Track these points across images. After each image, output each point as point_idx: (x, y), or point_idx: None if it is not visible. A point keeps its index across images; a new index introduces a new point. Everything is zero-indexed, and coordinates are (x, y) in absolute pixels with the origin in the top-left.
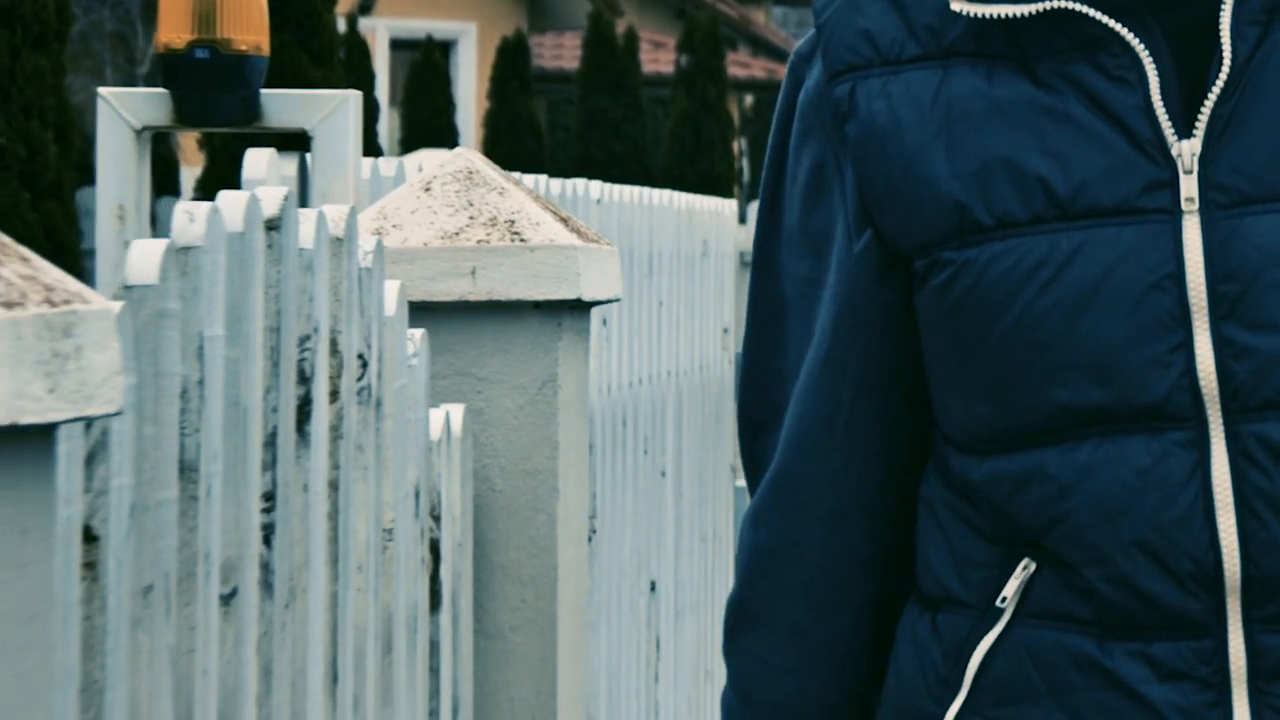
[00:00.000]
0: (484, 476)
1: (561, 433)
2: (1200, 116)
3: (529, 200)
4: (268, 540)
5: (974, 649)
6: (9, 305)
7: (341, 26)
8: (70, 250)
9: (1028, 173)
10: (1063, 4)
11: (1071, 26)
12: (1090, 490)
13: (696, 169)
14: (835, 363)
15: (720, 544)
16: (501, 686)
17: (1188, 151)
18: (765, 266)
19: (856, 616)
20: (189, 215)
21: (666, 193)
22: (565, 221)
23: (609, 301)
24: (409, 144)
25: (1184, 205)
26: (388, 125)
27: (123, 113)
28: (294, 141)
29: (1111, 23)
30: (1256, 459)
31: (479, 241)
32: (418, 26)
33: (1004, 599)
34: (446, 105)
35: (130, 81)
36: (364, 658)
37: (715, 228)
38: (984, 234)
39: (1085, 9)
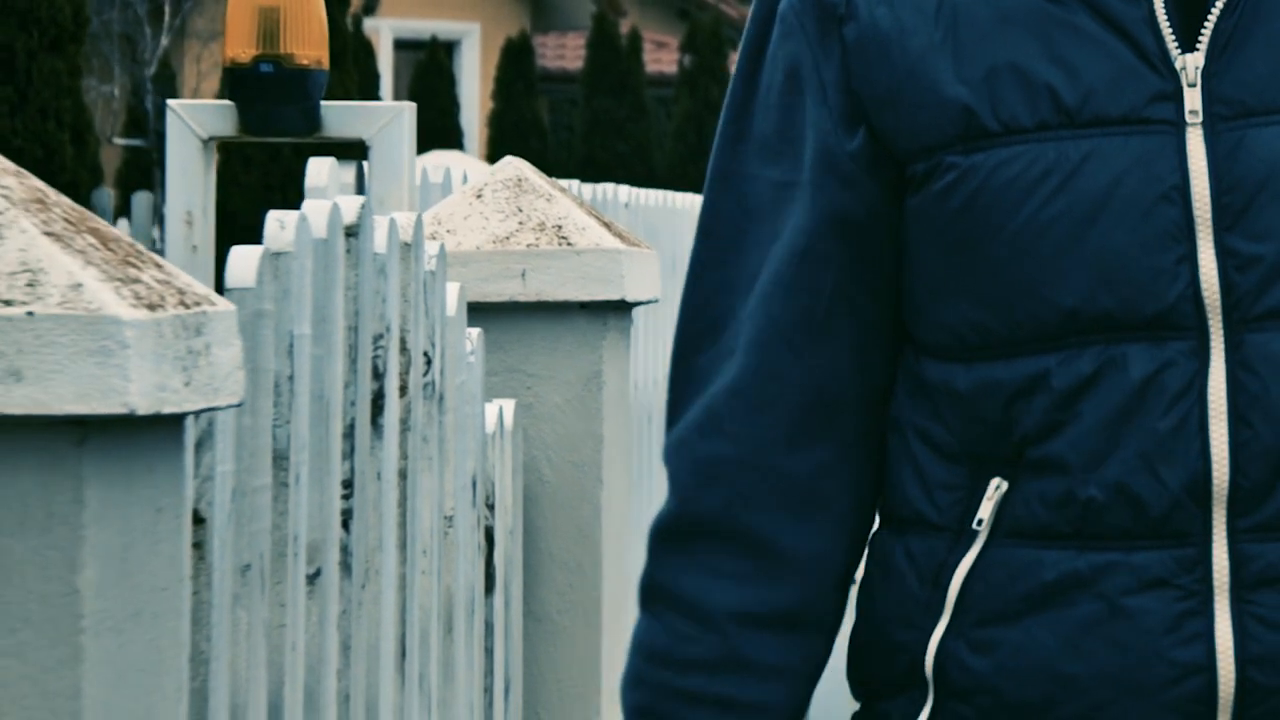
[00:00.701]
0: (533, 468)
1: (606, 426)
2: (1203, 31)
3: (574, 206)
4: (346, 525)
5: (953, 572)
6: (151, 307)
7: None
8: None
9: (1035, 80)
10: None
11: None
12: (1092, 397)
13: (699, 169)
14: (816, 259)
15: None
16: (549, 667)
17: (1191, 65)
18: (725, 180)
19: (822, 525)
20: (280, 223)
21: (689, 196)
22: (608, 226)
23: (649, 302)
24: (414, 144)
25: (1188, 118)
26: None
27: (190, 123)
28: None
29: None
30: (1255, 368)
31: (528, 245)
32: (422, 27)
33: (979, 521)
34: (451, 106)
35: (139, 83)
36: (428, 636)
37: None
38: (990, 139)
39: None
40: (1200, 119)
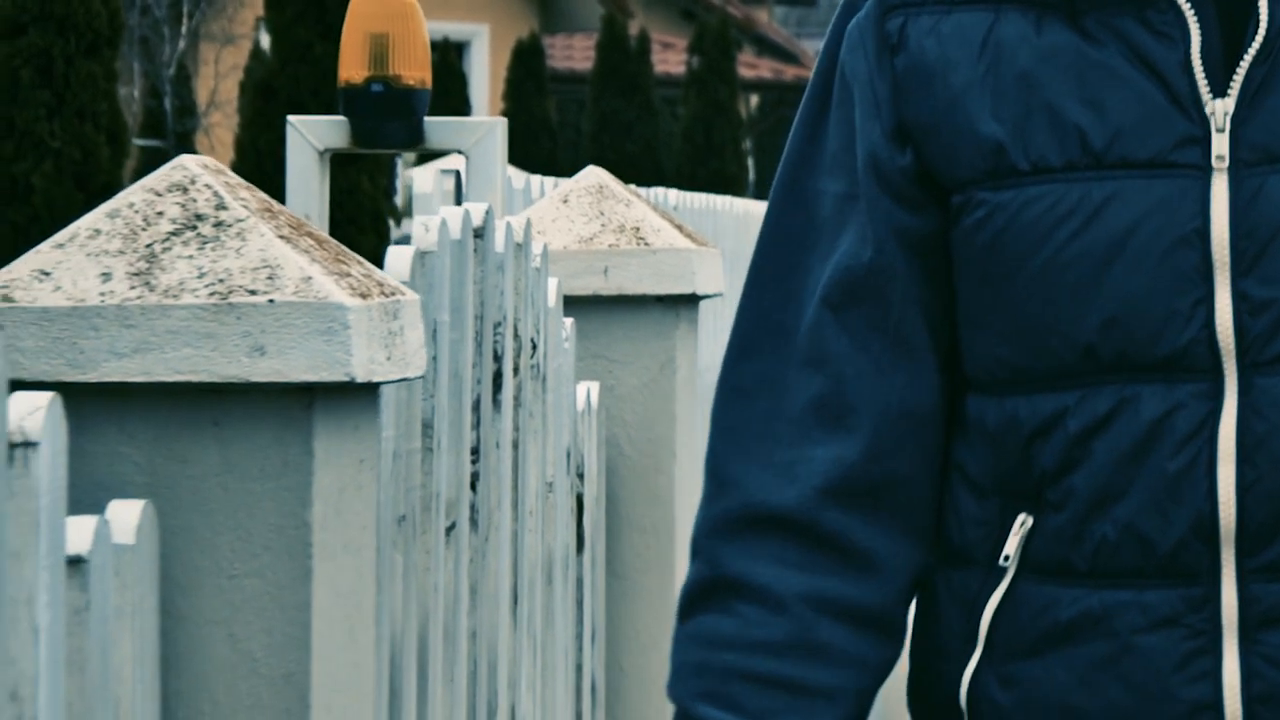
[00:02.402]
0: (614, 442)
1: (678, 406)
2: (1235, 77)
3: (650, 210)
4: (474, 486)
5: (984, 606)
6: (363, 296)
7: None
8: None
9: (1065, 120)
10: None
11: None
12: (1105, 436)
13: (708, 169)
14: (883, 271)
15: None
16: (628, 620)
17: (1221, 110)
18: (794, 192)
19: (902, 532)
20: (425, 226)
21: (727, 198)
22: (679, 228)
23: (714, 295)
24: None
25: (1214, 163)
26: None
27: (308, 137)
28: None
29: None
30: (1263, 412)
31: (610, 245)
32: (432, 28)
33: (1006, 557)
34: (462, 106)
35: (159, 84)
36: (534, 586)
37: None
38: (1019, 178)
39: None
40: (1226, 164)
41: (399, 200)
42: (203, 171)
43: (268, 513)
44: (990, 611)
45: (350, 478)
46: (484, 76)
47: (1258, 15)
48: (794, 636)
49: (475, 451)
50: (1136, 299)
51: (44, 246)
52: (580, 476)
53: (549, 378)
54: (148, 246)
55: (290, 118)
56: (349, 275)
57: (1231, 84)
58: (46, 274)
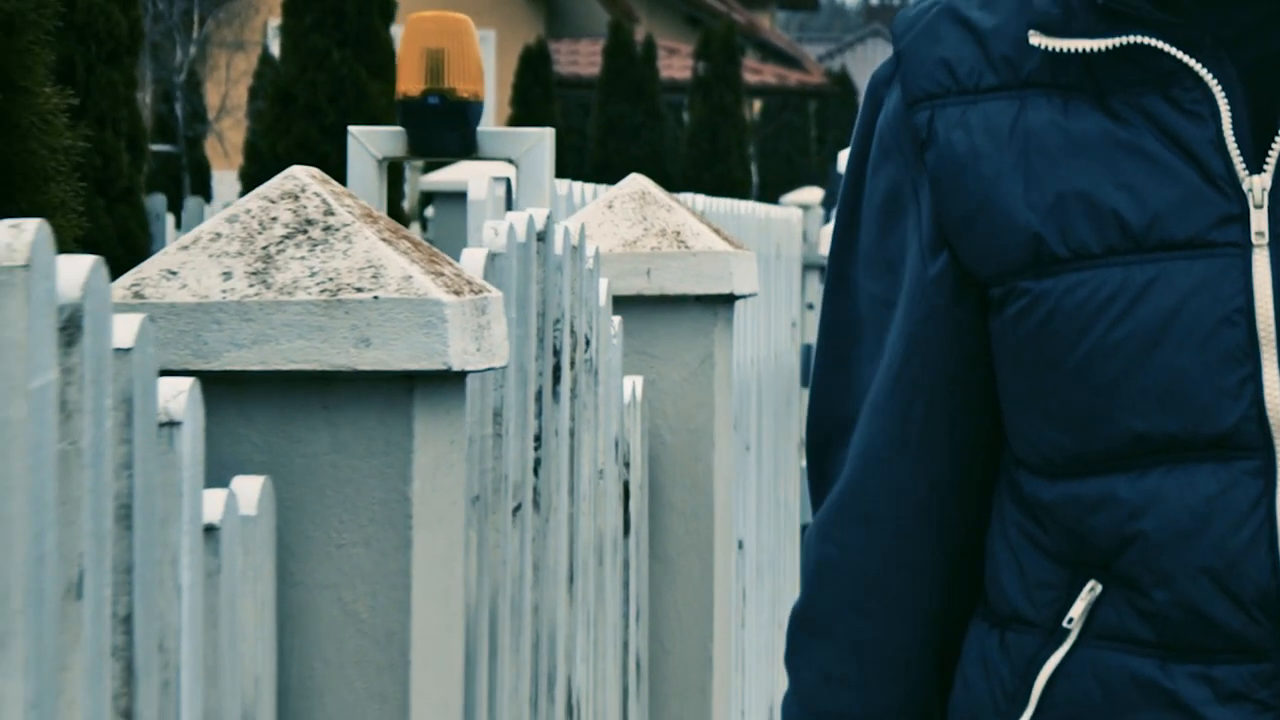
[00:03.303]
0: (656, 433)
1: (716, 399)
2: (1271, 152)
3: (689, 215)
4: (536, 470)
5: (1040, 668)
6: (456, 292)
7: None
8: (141, 252)
9: (1102, 205)
10: (1139, 40)
11: (1146, 60)
12: (1159, 516)
13: (713, 173)
14: (907, 381)
15: (790, 512)
16: (669, 600)
17: (1259, 186)
18: (841, 284)
19: (920, 630)
20: (494, 230)
21: (749, 204)
22: (717, 232)
23: (749, 295)
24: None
25: (1254, 239)
26: None
27: (368, 146)
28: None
29: (1186, 58)
30: None
31: (652, 248)
32: None
33: (1070, 620)
34: None
35: (169, 89)
36: (587, 566)
37: (785, 234)
38: (1059, 265)
39: (1161, 44)
40: (1266, 240)
41: (407, 205)
42: (311, 181)
43: (372, 488)
44: (1047, 673)
45: (443, 457)
46: (491, 82)
47: None
48: None
49: (538, 439)
50: (1184, 379)
51: (171, 248)
52: (626, 465)
53: (600, 371)
54: (264, 248)
55: (351, 129)
56: (443, 274)
57: (1267, 159)
58: (173, 273)
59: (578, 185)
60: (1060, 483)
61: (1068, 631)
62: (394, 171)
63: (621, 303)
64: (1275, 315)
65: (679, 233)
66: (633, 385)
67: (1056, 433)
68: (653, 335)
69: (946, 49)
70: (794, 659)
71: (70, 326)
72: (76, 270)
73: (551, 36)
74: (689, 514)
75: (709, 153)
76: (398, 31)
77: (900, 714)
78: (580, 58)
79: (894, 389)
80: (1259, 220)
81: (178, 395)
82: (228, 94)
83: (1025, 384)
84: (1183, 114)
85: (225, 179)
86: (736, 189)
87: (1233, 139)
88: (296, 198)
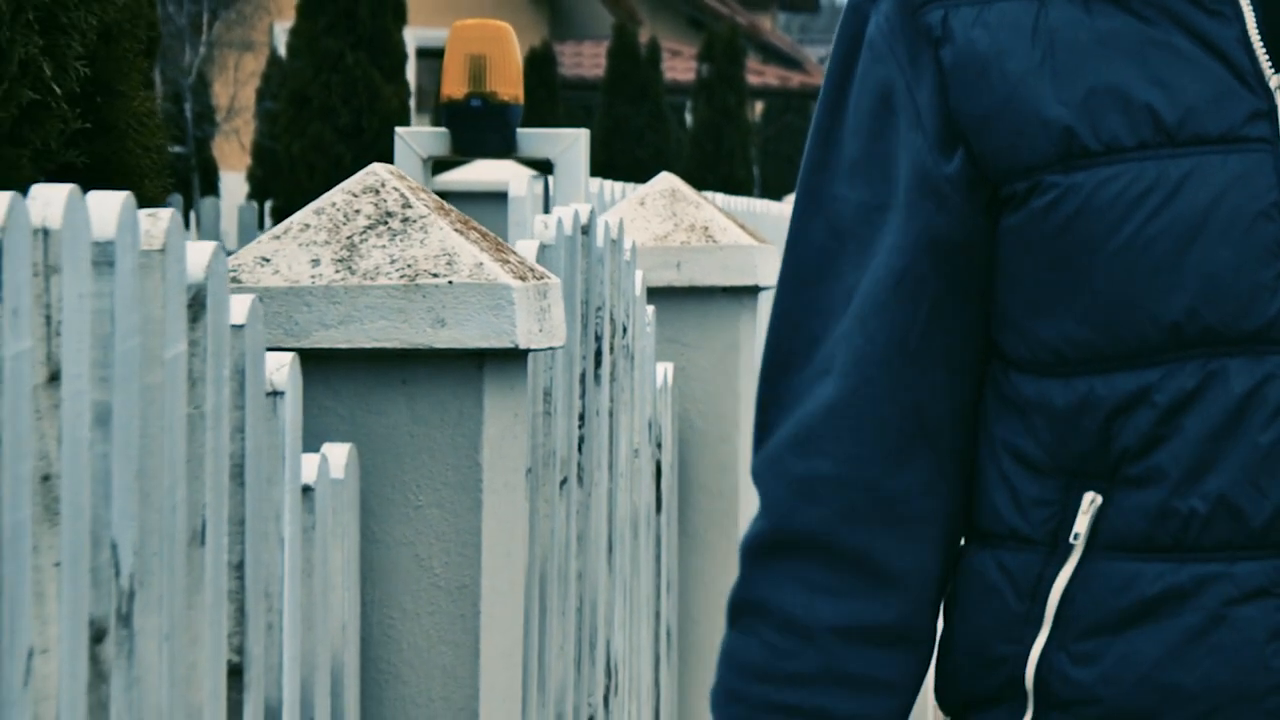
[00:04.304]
0: (685, 416)
1: (742, 384)
2: None
3: (716, 212)
4: (580, 447)
5: (1051, 585)
6: (521, 278)
7: None
8: None
9: (1135, 100)
10: None
11: None
12: (1195, 411)
13: (717, 174)
14: (913, 280)
15: None
16: (697, 574)
17: None
18: (813, 199)
19: (922, 542)
20: (544, 223)
21: (763, 201)
22: (743, 227)
23: (774, 287)
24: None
25: None
26: None
27: (413, 145)
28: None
29: None
30: None
31: (682, 243)
32: (444, 36)
33: (1076, 535)
34: None
35: (179, 91)
36: (624, 538)
37: None
38: (1091, 159)
39: None
40: None
41: None
42: (390, 177)
43: (446, 455)
44: (1059, 589)
45: (508, 427)
46: None
47: None
48: (823, 668)
49: (581, 418)
50: (1222, 274)
51: (264, 238)
52: (659, 445)
53: (635, 357)
54: (348, 238)
55: (398, 130)
56: (509, 261)
57: None
58: (267, 260)
59: (609, 183)
60: (1078, 380)
61: (1072, 547)
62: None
63: (654, 293)
64: None
65: (707, 228)
66: (665, 371)
67: (1083, 328)
68: (683, 324)
69: None
70: (759, 587)
71: (195, 304)
72: (200, 254)
73: (556, 39)
74: (716, 492)
75: (713, 154)
76: (410, 34)
77: (899, 626)
78: (584, 60)
79: (897, 287)
80: None
81: (280, 368)
82: (236, 94)
83: (1047, 281)
84: (1207, 13)
85: (230, 181)
86: (740, 189)
87: (1258, 37)
88: (377, 192)
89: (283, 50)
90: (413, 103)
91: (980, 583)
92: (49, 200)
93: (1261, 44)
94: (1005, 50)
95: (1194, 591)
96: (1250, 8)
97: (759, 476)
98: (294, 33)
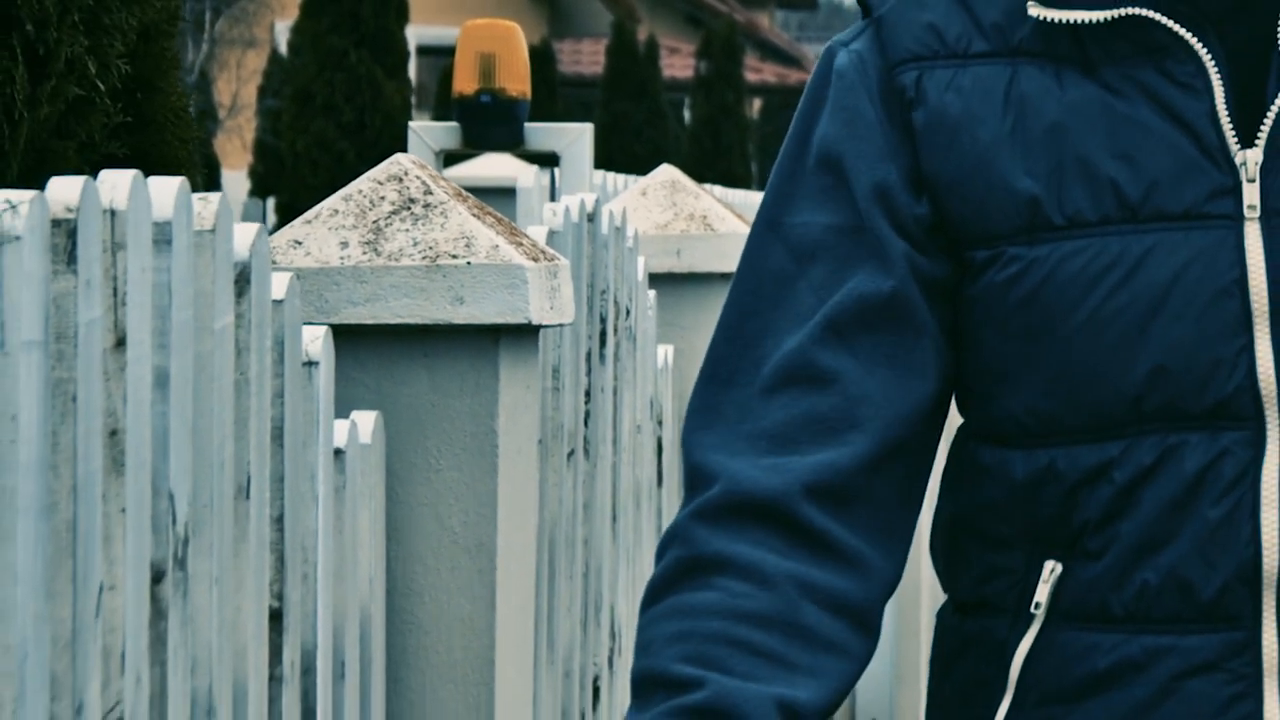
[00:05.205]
0: (684, 395)
1: None
2: (1263, 127)
3: (715, 202)
4: (586, 421)
5: (1014, 652)
6: (534, 259)
7: None
8: None
9: (1099, 174)
10: (1137, 11)
11: (1139, 34)
12: (1152, 485)
13: (715, 170)
14: (903, 302)
15: None
16: None
17: (1251, 160)
18: (773, 226)
19: (880, 542)
20: (552, 211)
21: (760, 194)
22: (740, 217)
23: None
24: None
25: (1246, 212)
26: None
27: (426, 140)
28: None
29: (1181, 31)
30: None
31: (682, 231)
32: (442, 34)
33: (1037, 604)
34: None
35: (183, 89)
36: (627, 509)
37: None
38: (1054, 232)
39: (1158, 17)
40: (1258, 213)
41: None
42: (412, 166)
43: (464, 422)
44: (1020, 658)
45: (521, 397)
46: None
47: (1278, 64)
48: (779, 613)
49: (587, 394)
50: (1183, 349)
51: (296, 223)
52: (659, 422)
53: (638, 338)
54: (374, 222)
55: (411, 124)
56: (522, 244)
57: (1259, 134)
58: (299, 243)
59: (611, 175)
60: (1039, 452)
61: (1034, 616)
62: None
63: (655, 279)
64: (1268, 288)
65: (706, 217)
66: (665, 352)
67: (1045, 400)
68: (682, 308)
69: (933, 14)
70: (711, 544)
71: (241, 280)
72: (245, 235)
73: (555, 36)
74: None
75: (711, 150)
76: (412, 32)
77: (849, 601)
78: (583, 57)
79: (888, 304)
80: (1251, 194)
81: (315, 340)
82: (238, 92)
83: (1010, 352)
84: (1177, 86)
85: (231, 179)
86: (738, 185)
87: (1226, 113)
88: (400, 180)
89: (284, 48)
90: (413, 99)
91: (953, 644)
92: (115, 184)
93: (1229, 120)
94: (977, 116)
95: (1145, 664)
96: (1220, 84)
97: (700, 467)
98: (297, 30)
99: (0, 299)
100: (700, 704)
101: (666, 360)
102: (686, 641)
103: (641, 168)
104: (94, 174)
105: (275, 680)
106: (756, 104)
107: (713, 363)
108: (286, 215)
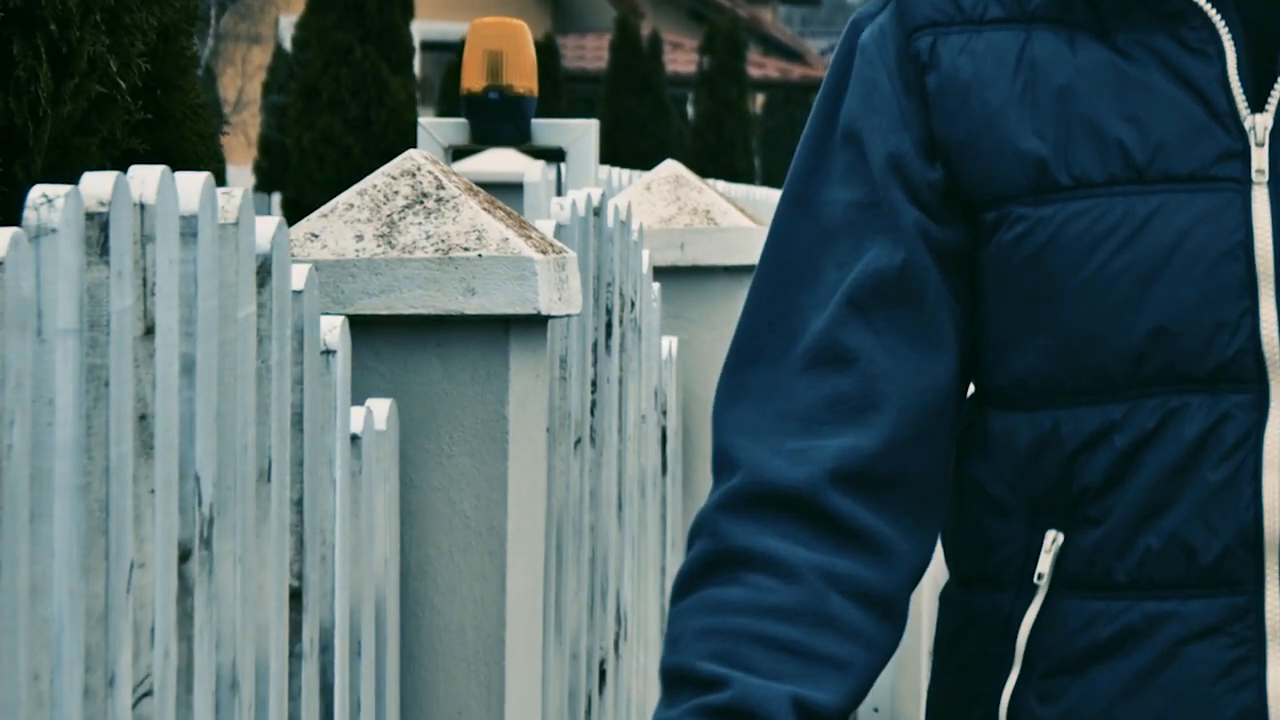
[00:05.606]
0: (688, 386)
1: None
2: (1273, 93)
3: (718, 197)
4: (592, 411)
5: (1019, 625)
6: (543, 251)
7: None
8: None
9: (1106, 135)
10: None
11: (1155, 0)
12: (1154, 449)
13: (718, 165)
14: (916, 273)
15: None
16: None
17: (1261, 125)
18: (801, 204)
19: (906, 524)
20: (560, 205)
21: (762, 189)
22: (743, 211)
23: None
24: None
25: (1254, 176)
26: None
27: (435, 136)
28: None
29: None
30: None
31: (685, 225)
32: (448, 29)
33: (1040, 575)
34: None
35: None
36: (632, 497)
37: None
38: (1060, 192)
39: None
40: (1266, 178)
41: None
42: (425, 162)
43: (475, 409)
44: (1026, 629)
45: (530, 385)
46: None
47: None
48: (805, 604)
49: (594, 384)
50: (1185, 311)
51: (312, 216)
52: (664, 412)
53: (643, 330)
54: (388, 216)
55: (420, 120)
56: (531, 237)
57: (1269, 99)
58: (316, 236)
59: (616, 170)
60: (1042, 414)
61: (1037, 587)
62: None
63: (659, 272)
64: (1274, 251)
65: (709, 211)
66: (669, 344)
67: (1048, 361)
68: (686, 301)
69: None
70: (735, 537)
71: (263, 271)
72: (266, 228)
73: (558, 32)
74: None
75: (714, 145)
76: (417, 28)
77: (877, 592)
78: (587, 53)
79: (901, 277)
80: (1260, 158)
81: (333, 329)
82: (244, 88)
83: (1015, 313)
84: (1190, 52)
85: (235, 175)
86: (741, 180)
87: (1237, 78)
88: (414, 175)
89: (289, 44)
90: (418, 94)
91: (960, 621)
92: (144, 179)
93: (1240, 85)
94: (987, 79)
95: (1147, 631)
96: (1233, 50)
97: (728, 451)
98: (303, 26)
99: (38, 289)
100: (724, 704)
101: (671, 352)
102: (713, 638)
103: (645, 163)
104: (115, 169)
105: (295, 656)
106: (759, 99)
107: (741, 340)
108: (292, 211)
